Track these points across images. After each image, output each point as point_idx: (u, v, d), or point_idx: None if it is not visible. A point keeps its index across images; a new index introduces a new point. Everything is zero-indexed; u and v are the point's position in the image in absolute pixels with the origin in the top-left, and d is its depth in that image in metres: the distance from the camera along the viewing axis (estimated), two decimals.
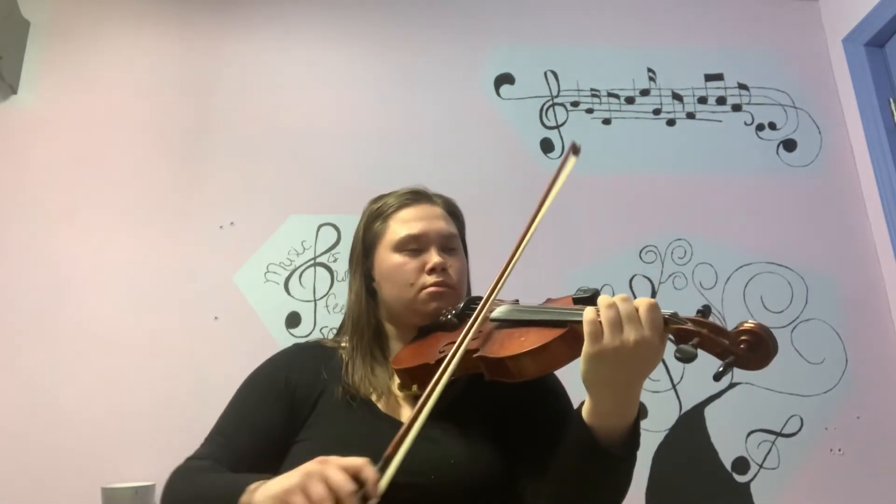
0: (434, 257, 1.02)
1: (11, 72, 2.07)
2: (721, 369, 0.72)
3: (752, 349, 0.72)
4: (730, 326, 0.76)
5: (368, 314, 1.07)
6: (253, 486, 0.75)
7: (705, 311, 0.77)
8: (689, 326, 0.75)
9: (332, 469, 0.69)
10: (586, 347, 0.77)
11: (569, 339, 0.81)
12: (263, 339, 1.93)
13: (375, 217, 1.10)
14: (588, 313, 0.77)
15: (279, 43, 2.26)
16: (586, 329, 0.77)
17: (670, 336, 0.78)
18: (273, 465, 0.93)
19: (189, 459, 0.94)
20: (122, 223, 2.01)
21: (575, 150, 1.00)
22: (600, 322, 0.76)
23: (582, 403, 0.83)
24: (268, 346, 1.89)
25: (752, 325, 0.73)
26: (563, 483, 0.84)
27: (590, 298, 0.85)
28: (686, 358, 0.71)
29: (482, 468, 0.91)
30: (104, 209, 2.01)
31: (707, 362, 0.77)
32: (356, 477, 0.68)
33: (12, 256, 1.94)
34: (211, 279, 1.98)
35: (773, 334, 0.73)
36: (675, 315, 0.77)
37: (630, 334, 0.75)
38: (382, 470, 0.71)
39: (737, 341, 0.73)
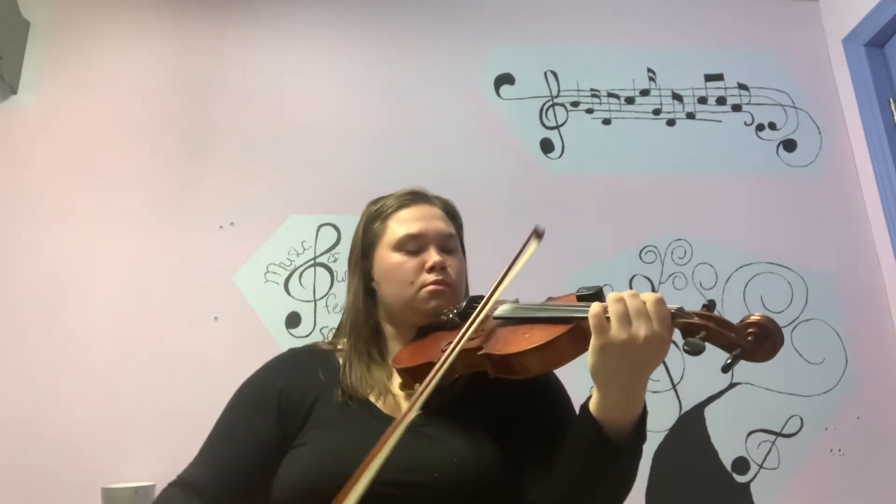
0: (433, 256, 1.03)
1: (11, 72, 2.07)
2: (729, 361, 0.74)
3: (760, 341, 0.74)
4: None
5: (367, 314, 1.07)
6: None
7: (711, 304, 0.79)
8: (696, 320, 0.77)
9: None
10: (593, 340, 0.78)
11: (574, 335, 0.82)
12: (263, 340, 1.93)
13: (374, 218, 1.11)
14: (594, 307, 0.78)
15: (279, 43, 2.26)
16: (592, 322, 0.78)
17: (677, 330, 0.79)
18: (268, 475, 0.93)
19: (174, 484, 0.96)
20: (122, 223, 2.01)
21: (538, 234, 0.96)
22: (607, 316, 0.77)
23: (588, 398, 0.84)
24: (268, 346, 1.92)
25: (758, 318, 0.75)
26: (569, 479, 0.84)
27: (594, 296, 0.86)
28: (695, 350, 0.72)
29: (485, 466, 0.91)
30: (104, 209, 2.01)
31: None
32: None
33: (12, 256, 1.94)
34: (211, 279, 1.98)
35: (779, 326, 0.75)
36: (681, 309, 0.78)
37: (640, 329, 0.76)
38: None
39: (744, 334, 0.75)
